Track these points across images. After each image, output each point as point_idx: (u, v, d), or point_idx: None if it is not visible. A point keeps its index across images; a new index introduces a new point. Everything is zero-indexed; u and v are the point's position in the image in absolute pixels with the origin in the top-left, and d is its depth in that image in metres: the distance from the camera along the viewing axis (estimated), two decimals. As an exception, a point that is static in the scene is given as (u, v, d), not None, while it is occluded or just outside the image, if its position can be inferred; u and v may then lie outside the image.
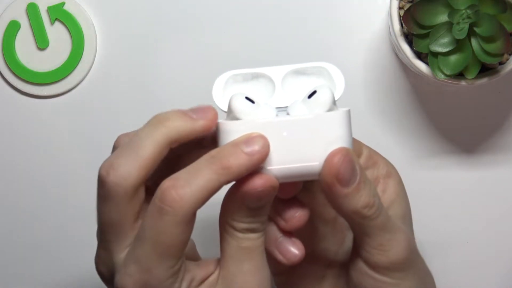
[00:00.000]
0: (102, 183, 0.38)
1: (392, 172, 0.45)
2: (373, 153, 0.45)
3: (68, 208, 0.61)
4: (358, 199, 0.39)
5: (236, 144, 0.38)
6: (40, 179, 0.61)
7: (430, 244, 0.59)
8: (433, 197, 0.59)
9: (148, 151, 0.38)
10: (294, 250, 0.42)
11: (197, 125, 0.39)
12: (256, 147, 0.38)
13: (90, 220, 0.40)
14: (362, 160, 0.45)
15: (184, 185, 0.36)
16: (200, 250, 0.45)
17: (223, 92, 0.42)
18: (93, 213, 0.40)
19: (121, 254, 0.39)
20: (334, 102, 0.40)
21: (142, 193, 0.39)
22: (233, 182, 0.38)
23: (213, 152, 0.38)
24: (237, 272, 0.39)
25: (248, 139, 0.38)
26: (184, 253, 0.38)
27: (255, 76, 0.42)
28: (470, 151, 0.59)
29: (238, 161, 0.37)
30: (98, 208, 0.39)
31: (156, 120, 0.39)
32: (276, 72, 0.42)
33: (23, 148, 0.61)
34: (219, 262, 0.40)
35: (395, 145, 0.59)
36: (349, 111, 0.40)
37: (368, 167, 0.45)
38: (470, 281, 0.60)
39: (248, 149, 0.37)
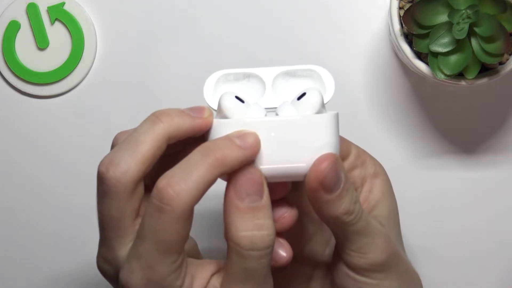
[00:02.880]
0: (101, 180, 0.38)
1: (379, 171, 0.46)
2: (361, 152, 0.46)
3: (68, 208, 0.61)
4: (339, 206, 0.39)
5: (229, 137, 0.38)
6: (40, 179, 0.61)
7: (430, 244, 0.59)
8: (433, 197, 0.59)
9: (146, 146, 0.38)
10: (281, 252, 0.42)
11: (195, 122, 0.39)
12: (248, 141, 0.38)
13: (91, 220, 0.40)
14: (351, 159, 0.45)
15: (180, 181, 0.36)
16: (198, 243, 0.45)
17: (214, 91, 0.42)
18: (94, 213, 0.40)
19: (123, 250, 0.39)
20: (323, 105, 0.40)
21: (141, 189, 0.39)
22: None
23: (207, 143, 0.38)
24: None
25: (240, 134, 0.38)
26: (184, 249, 0.38)
27: (246, 76, 0.42)
28: (470, 151, 0.59)
29: (232, 152, 0.37)
30: (98, 206, 0.39)
31: (154, 116, 0.39)
32: (267, 73, 0.42)
33: (23, 148, 0.61)
34: (220, 264, 0.40)
35: (395, 145, 0.59)
36: (337, 115, 0.40)
37: (356, 166, 0.45)
38: (470, 281, 0.60)
39: (241, 143, 0.38)
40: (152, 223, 0.37)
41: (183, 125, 0.39)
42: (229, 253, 0.38)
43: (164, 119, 0.39)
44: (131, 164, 0.38)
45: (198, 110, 0.40)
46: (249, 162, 0.38)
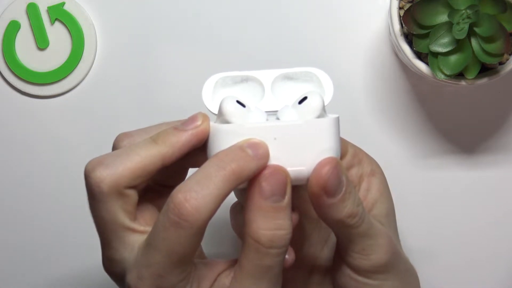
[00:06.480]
0: (86, 178, 0.39)
1: (376, 170, 0.46)
2: (358, 151, 0.46)
3: (68, 208, 0.61)
4: (342, 209, 0.39)
5: (242, 147, 0.38)
6: (40, 179, 0.61)
7: (430, 244, 0.59)
8: (433, 197, 0.59)
9: (140, 158, 0.38)
10: (285, 255, 0.42)
11: (190, 136, 0.39)
12: (260, 151, 0.38)
13: (91, 221, 0.40)
14: (348, 158, 0.45)
15: (198, 196, 0.36)
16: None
17: (213, 95, 0.42)
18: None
19: (127, 251, 0.39)
20: (324, 109, 0.40)
21: (133, 196, 0.39)
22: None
23: (221, 155, 0.38)
24: None
25: (250, 144, 0.38)
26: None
27: (245, 79, 0.42)
28: (470, 151, 0.59)
29: (247, 164, 0.37)
30: (89, 208, 0.39)
31: (151, 139, 0.39)
32: (265, 75, 0.42)
33: (23, 148, 0.61)
34: (228, 264, 0.40)
35: (395, 145, 0.59)
36: (338, 118, 0.40)
37: (353, 165, 0.45)
38: (470, 281, 0.60)
39: (253, 153, 0.38)
40: (166, 236, 0.37)
41: (177, 143, 0.39)
42: (245, 250, 0.38)
43: (160, 141, 0.39)
44: (119, 168, 0.38)
45: (191, 121, 0.40)
46: (261, 171, 0.38)
